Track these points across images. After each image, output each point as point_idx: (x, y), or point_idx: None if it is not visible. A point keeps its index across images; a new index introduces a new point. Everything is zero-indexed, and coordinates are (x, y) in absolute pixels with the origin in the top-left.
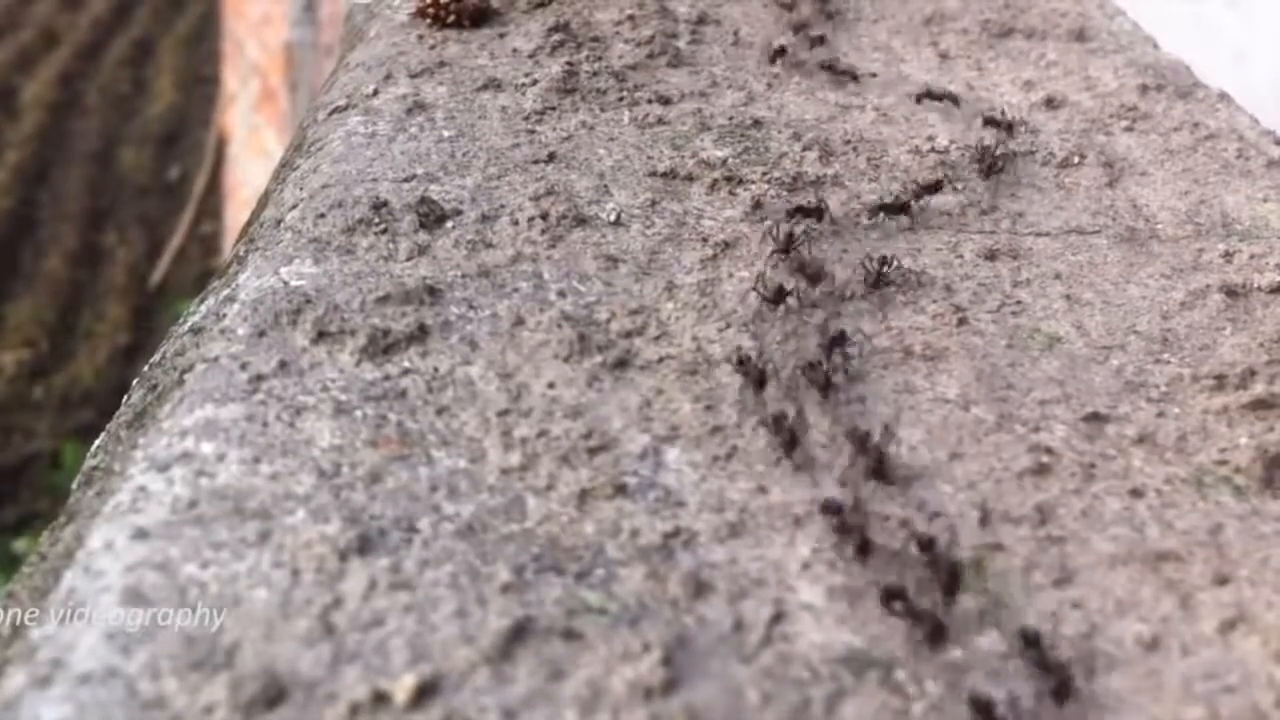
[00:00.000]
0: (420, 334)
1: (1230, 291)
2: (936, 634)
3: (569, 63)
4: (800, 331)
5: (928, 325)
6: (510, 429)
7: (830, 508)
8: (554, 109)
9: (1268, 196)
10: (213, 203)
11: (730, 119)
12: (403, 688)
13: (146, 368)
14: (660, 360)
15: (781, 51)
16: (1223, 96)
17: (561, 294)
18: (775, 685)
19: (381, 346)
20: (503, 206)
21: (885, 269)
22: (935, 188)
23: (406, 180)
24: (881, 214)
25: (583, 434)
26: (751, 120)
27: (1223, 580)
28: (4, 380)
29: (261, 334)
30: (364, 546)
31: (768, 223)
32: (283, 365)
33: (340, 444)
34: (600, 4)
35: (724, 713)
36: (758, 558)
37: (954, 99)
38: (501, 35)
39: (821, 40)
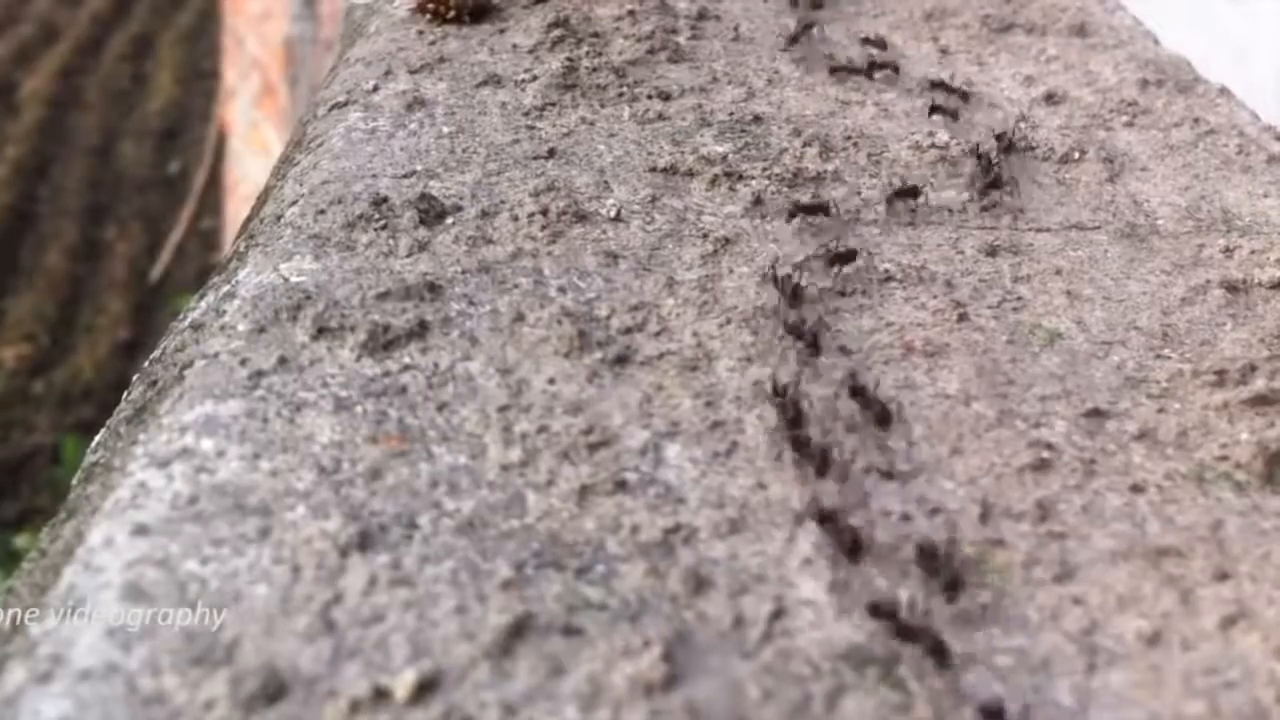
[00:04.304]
0: (420, 330)
1: (1231, 287)
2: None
3: (569, 58)
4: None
5: (928, 321)
6: (510, 425)
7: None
8: (554, 105)
9: (1268, 192)
10: (213, 198)
11: (730, 114)
12: (403, 684)
13: (146, 363)
14: (660, 356)
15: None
16: (1223, 92)
17: (562, 290)
18: (776, 681)
19: (382, 342)
20: (503, 202)
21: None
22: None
23: (406, 176)
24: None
25: (583, 430)
26: (752, 116)
27: (1223, 576)
28: (4, 375)
29: (261, 330)
30: (364, 542)
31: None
32: (283, 361)
33: (340, 440)
34: None
35: (725, 708)
36: (758, 553)
37: (872, 71)
38: (501, 31)
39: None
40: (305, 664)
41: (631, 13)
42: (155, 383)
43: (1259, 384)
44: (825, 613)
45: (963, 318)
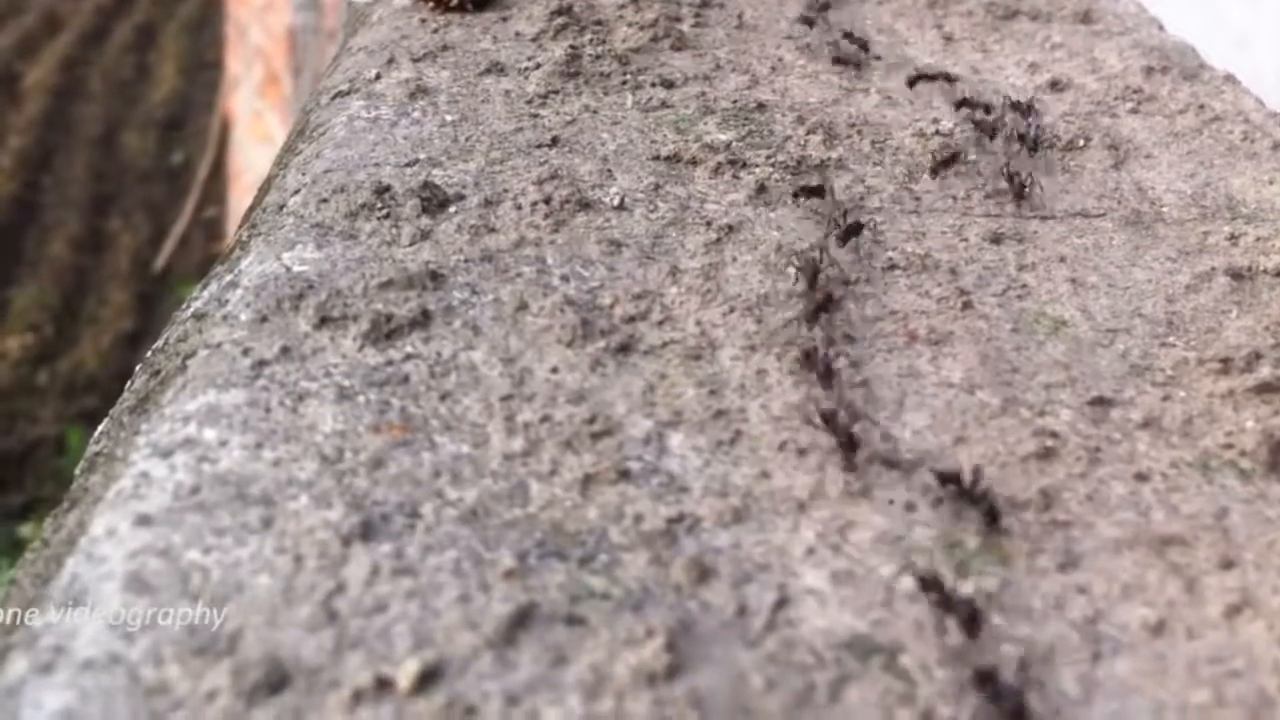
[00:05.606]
0: (423, 319)
1: (1236, 274)
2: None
3: (572, 46)
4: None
5: (932, 309)
6: (513, 414)
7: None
8: (557, 93)
9: (1273, 179)
10: (216, 187)
11: (734, 102)
12: (406, 674)
13: (149, 353)
14: (664, 345)
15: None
16: (1228, 79)
17: (565, 279)
18: (779, 670)
19: (384, 332)
20: (506, 191)
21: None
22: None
23: (409, 165)
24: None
25: (586, 419)
26: (755, 103)
27: (1228, 564)
28: (8, 365)
29: (264, 319)
30: (367, 532)
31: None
32: (285, 351)
33: (343, 429)
34: None
35: (727, 698)
36: (761, 543)
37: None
38: (504, 19)
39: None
40: (308, 654)
41: (635, 0)
42: (158, 372)
43: (1264, 372)
44: (829, 602)
45: (967, 306)
